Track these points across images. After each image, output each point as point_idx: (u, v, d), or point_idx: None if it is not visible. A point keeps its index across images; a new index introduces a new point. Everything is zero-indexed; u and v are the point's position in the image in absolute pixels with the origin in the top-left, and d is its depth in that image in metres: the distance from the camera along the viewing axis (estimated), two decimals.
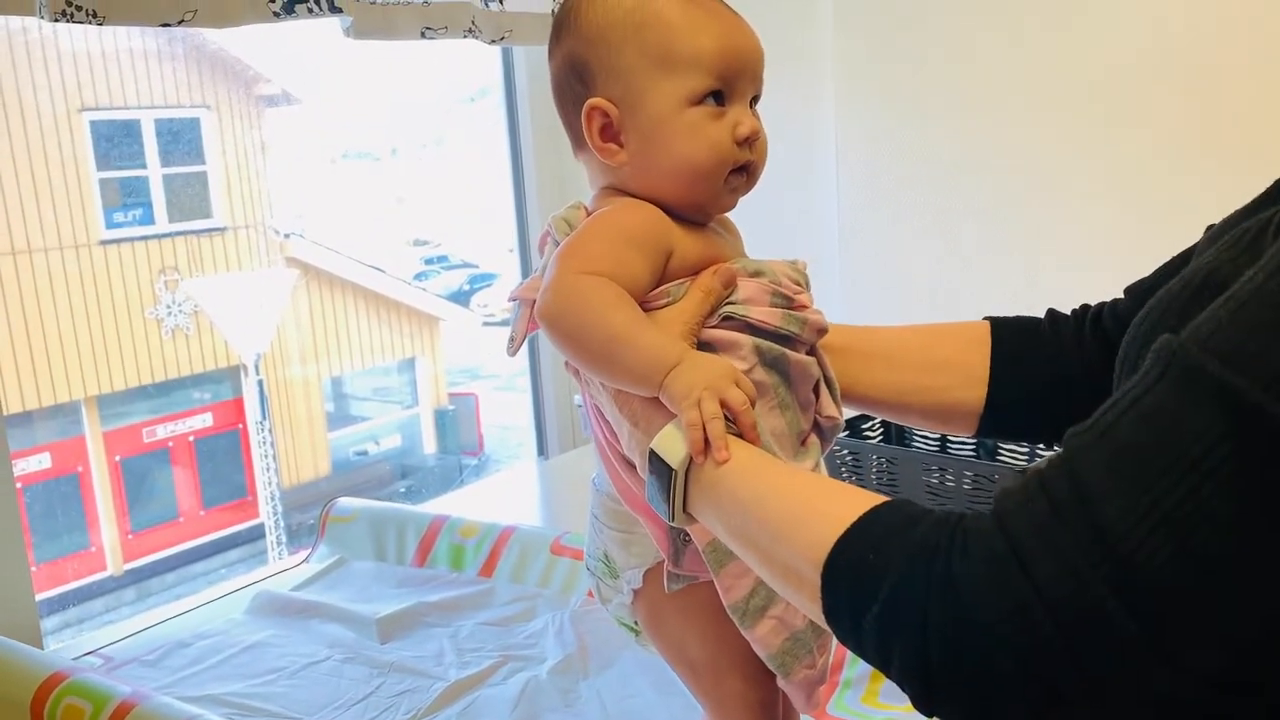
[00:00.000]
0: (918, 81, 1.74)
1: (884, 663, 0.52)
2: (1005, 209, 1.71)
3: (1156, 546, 0.44)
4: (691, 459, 0.65)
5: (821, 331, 0.79)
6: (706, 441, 0.64)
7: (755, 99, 0.78)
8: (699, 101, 0.74)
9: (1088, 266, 1.52)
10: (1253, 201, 0.64)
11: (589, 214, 0.78)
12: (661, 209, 0.77)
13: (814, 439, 0.80)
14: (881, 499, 0.56)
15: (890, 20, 1.73)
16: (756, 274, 0.77)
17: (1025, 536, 0.48)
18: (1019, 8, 1.62)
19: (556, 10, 0.80)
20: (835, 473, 1.57)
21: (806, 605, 0.57)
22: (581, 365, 0.73)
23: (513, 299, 0.79)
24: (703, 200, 0.77)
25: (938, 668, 0.49)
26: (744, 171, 0.77)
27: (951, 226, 1.75)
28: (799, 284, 0.80)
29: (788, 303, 0.76)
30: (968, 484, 1.45)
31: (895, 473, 1.51)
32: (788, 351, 0.75)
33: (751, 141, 0.76)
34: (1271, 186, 0.62)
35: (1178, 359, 0.47)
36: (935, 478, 1.48)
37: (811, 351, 0.79)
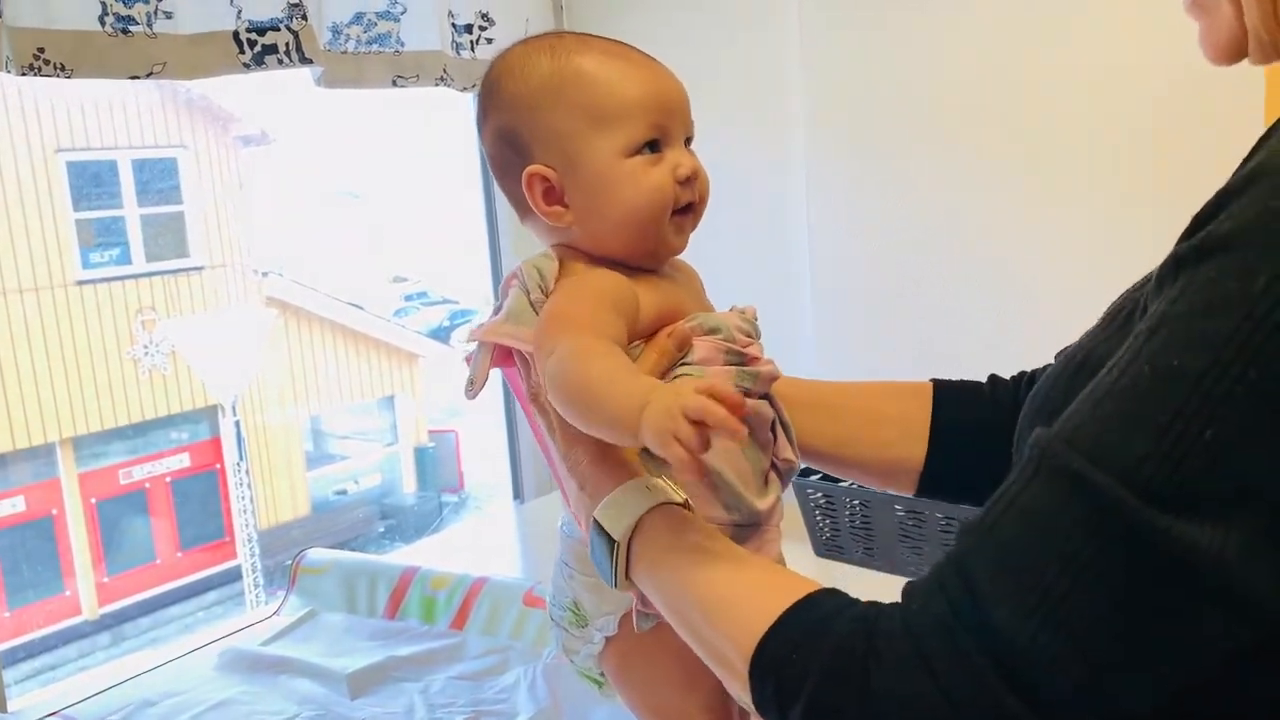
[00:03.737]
0: (887, 136, 1.76)
1: None
2: (979, 264, 1.73)
3: (1046, 644, 0.47)
4: (634, 530, 0.66)
5: (773, 379, 0.80)
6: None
7: (689, 140, 0.79)
8: (636, 151, 0.75)
9: (1058, 321, 1.53)
10: (1143, 278, 0.65)
11: (560, 263, 0.78)
12: (616, 260, 0.78)
13: (774, 477, 0.81)
14: (807, 589, 0.58)
15: (860, 70, 1.76)
16: (713, 331, 0.78)
17: (928, 639, 0.50)
18: (992, 64, 1.64)
19: (478, 87, 0.81)
20: (809, 516, 1.57)
21: (738, 690, 0.59)
22: (577, 422, 0.71)
23: (473, 340, 0.79)
24: (652, 246, 0.78)
25: None
26: (688, 210, 0.78)
27: (923, 284, 1.76)
28: (749, 334, 0.81)
29: (740, 359, 0.77)
30: (940, 524, 1.45)
31: (869, 515, 1.51)
32: (745, 399, 0.76)
33: (692, 181, 0.77)
34: (1141, 280, 0.63)
35: (1047, 456, 0.49)
36: (909, 519, 1.48)
37: (766, 396, 0.80)
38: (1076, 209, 1.60)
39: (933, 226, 1.73)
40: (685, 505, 0.68)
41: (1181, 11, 0.65)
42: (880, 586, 0.59)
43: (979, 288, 1.70)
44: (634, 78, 0.76)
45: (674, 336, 0.75)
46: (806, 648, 0.54)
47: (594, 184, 0.76)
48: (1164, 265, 0.51)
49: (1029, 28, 1.59)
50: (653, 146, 0.76)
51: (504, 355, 0.78)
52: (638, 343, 0.76)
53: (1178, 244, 0.51)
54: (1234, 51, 0.60)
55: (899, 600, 0.54)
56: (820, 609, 0.56)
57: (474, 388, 0.78)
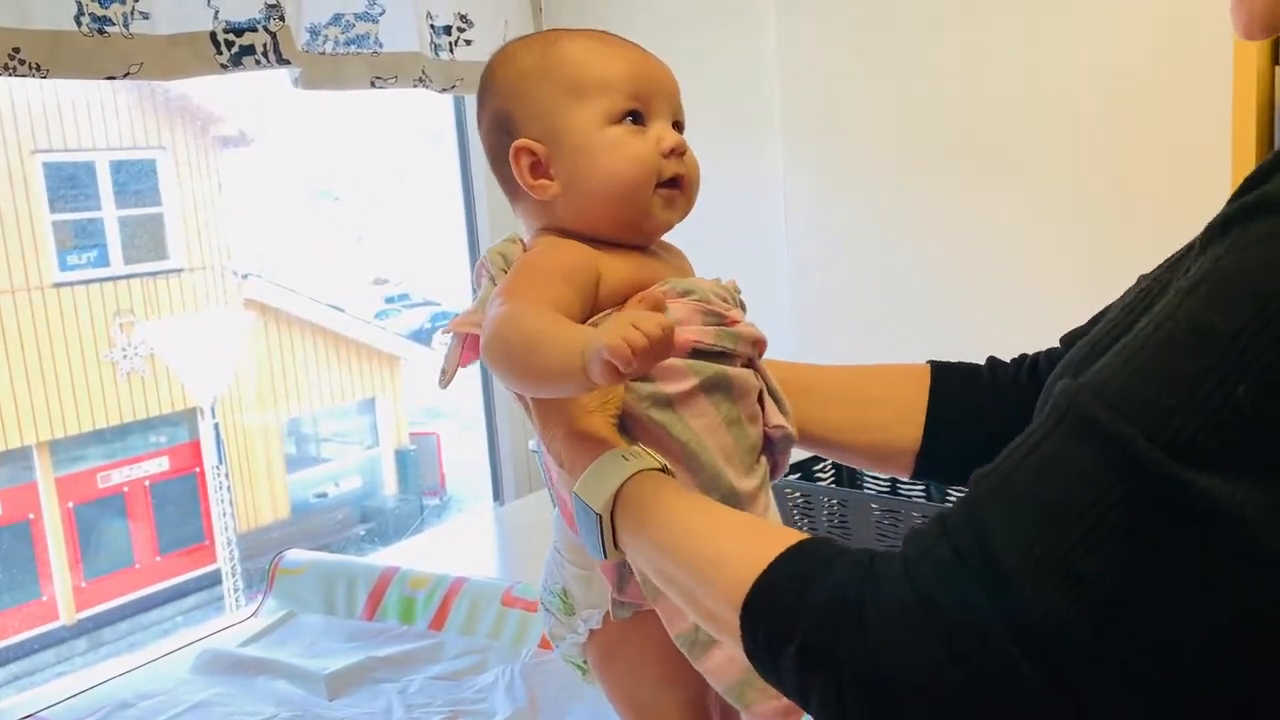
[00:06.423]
0: (862, 129, 1.77)
1: (804, 701, 0.54)
2: (953, 251, 1.74)
3: (1055, 596, 0.45)
4: (615, 503, 0.66)
5: (757, 343, 0.78)
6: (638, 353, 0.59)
7: (680, 126, 0.79)
8: (617, 121, 0.76)
9: (1039, 309, 1.54)
10: (1164, 262, 0.65)
11: (525, 247, 0.78)
12: (602, 239, 0.77)
13: (762, 460, 0.80)
14: (797, 538, 0.57)
15: (835, 64, 1.77)
16: (686, 293, 0.76)
17: (932, 585, 0.49)
18: (964, 60, 1.66)
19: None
20: (786, 515, 1.57)
21: (730, 644, 0.58)
22: (518, 385, 0.71)
23: (448, 331, 0.79)
24: (635, 217, 0.77)
25: (853, 711, 0.50)
26: (675, 185, 0.77)
27: (900, 277, 1.77)
28: (727, 301, 0.80)
29: (720, 320, 0.76)
30: (916, 523, 1.46)
31: (846, 515, 1.52)
32: (726, 368, 0.75)
33: (679, 154, 0.77)
34: (1179, 251, 0.64)
35: (1074, 408, 0.48)
36: (886, 519, 1.49)
37: (750, 365, 0.79)
38: (1045, 198, 1.62)
39: (908, 218, 1.74)
40: (664, 470, 0.68)
41: (1147, 10, 0.65)
42: None
43: (954, 275, 1.72)
44: (616, 54, 0.78)
45: (645, 300, 0.74)
46: (799, 592, 0.53)
47: (576, 153, 0.76)
48: (1210, 227, 0.50)
49: (1001, 27, 1.61)
50: (635, 119, 0.76)
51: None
52: (608, 310, 0.75)
53: (1228, 205, 0.50)
54: (1272, 22, 0.59)
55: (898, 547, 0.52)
56: (813, 554, 0.55)
57: (445, 377, 0.79)
